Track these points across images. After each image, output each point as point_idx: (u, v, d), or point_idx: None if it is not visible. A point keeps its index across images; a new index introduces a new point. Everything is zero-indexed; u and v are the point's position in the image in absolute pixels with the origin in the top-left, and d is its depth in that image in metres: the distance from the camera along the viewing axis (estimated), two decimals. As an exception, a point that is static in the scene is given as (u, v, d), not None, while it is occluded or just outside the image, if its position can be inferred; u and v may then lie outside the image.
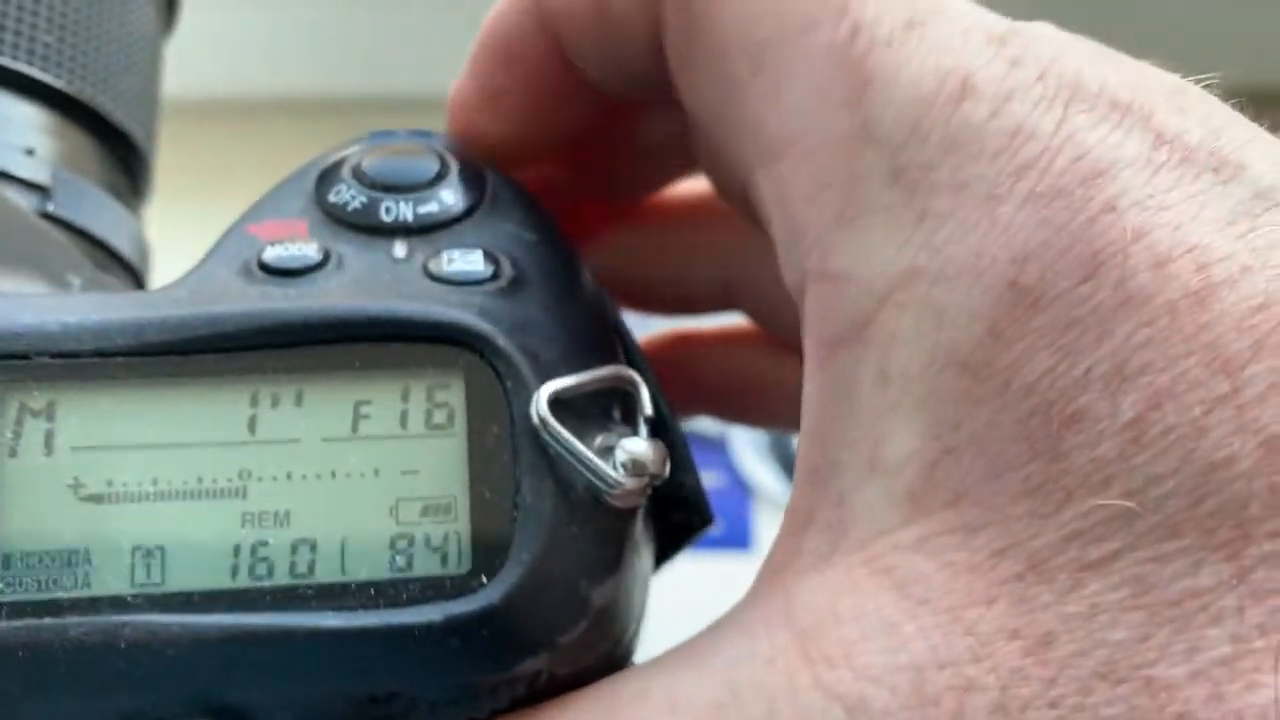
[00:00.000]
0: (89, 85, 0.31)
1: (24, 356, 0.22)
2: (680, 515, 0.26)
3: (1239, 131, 0.21)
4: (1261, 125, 0.21)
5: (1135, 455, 0.18)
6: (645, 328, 0.37)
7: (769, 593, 0.21)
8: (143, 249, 0.33)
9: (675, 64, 0.25)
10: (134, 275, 0.32)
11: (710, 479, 0.78)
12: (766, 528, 0.89)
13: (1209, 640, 0.17)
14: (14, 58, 0.29)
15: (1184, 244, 0.19)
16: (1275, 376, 0.18)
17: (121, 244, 0.31)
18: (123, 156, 0.33)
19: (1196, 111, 0.21)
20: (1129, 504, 0.18)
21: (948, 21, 0.22)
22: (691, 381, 0.36)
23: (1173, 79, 0.22)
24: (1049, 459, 0.19)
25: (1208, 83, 0.22)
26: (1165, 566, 0.18)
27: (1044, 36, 0.22)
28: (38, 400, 0.22)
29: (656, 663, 0.22)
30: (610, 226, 0.34)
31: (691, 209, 0.34)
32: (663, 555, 0.27)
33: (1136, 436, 0.18)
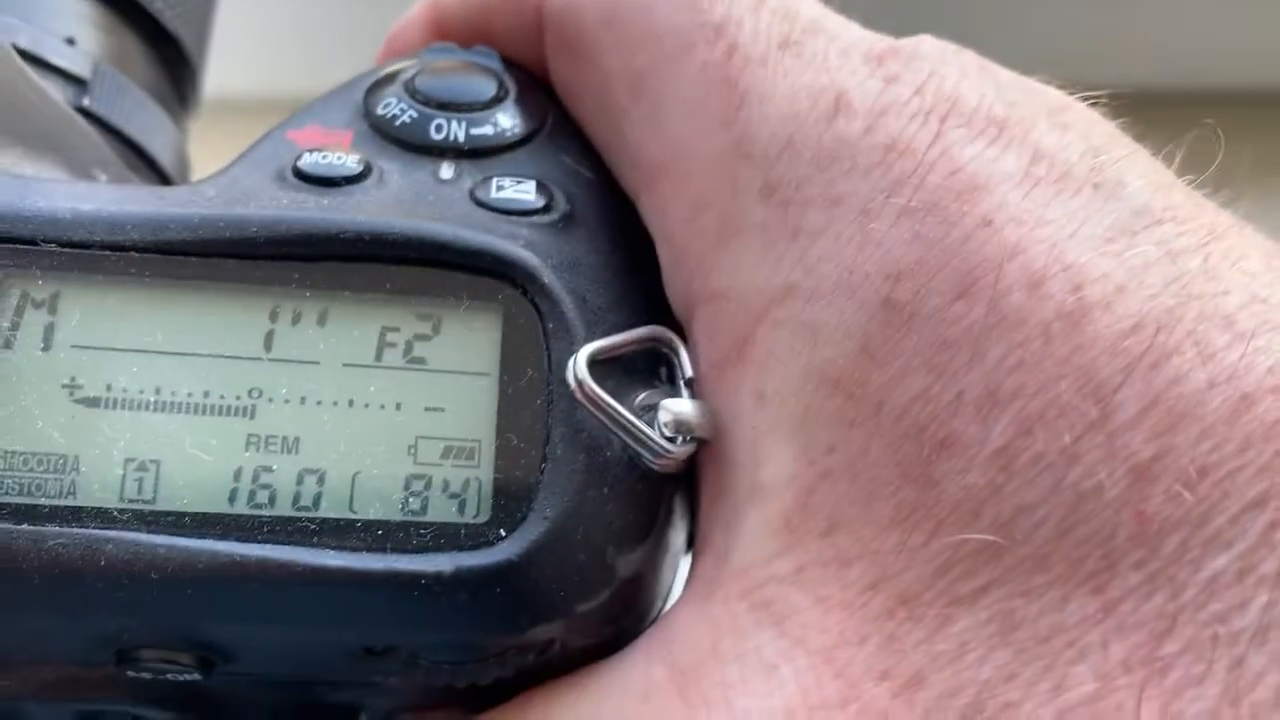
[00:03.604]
0: (141, -19, 0.29)
1: (31, 242, 0.20)
2: None
3: (1120, 149, 0.20)
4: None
5: (1005, 484, 0.18)
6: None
7: (659, 622, 0.21)
8: (182, 159, 0.31)
9: (562, 94, 0.25)
10: (167, 183, 0.30)
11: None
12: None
13: (1074, 678, 0.17)
14: (64, -58, 0.28)
15: (1060, 262, 0.18)
16: (1145, 401, 0.17)
17: (158, 150, 0.29)
18: (171, 62, 0.31)
19: (1078, 128, 0.21)
20: (997, 539, 0.18)
21: (826, 40, 0.22)
22: None
23: (1056, 95, 0.21)
24: (921, 486, 0.18)
25: (1093, 99, 0.21)
26: (1033, 601, 0.17)
27: (924, 53, 0.21)
28: (41, 291, 0.20)
29: (553, 682, 0.21)
30: None
31: None
32: None
33: (1006, 464, 0.18)
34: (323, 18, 0.70)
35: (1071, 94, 0.21)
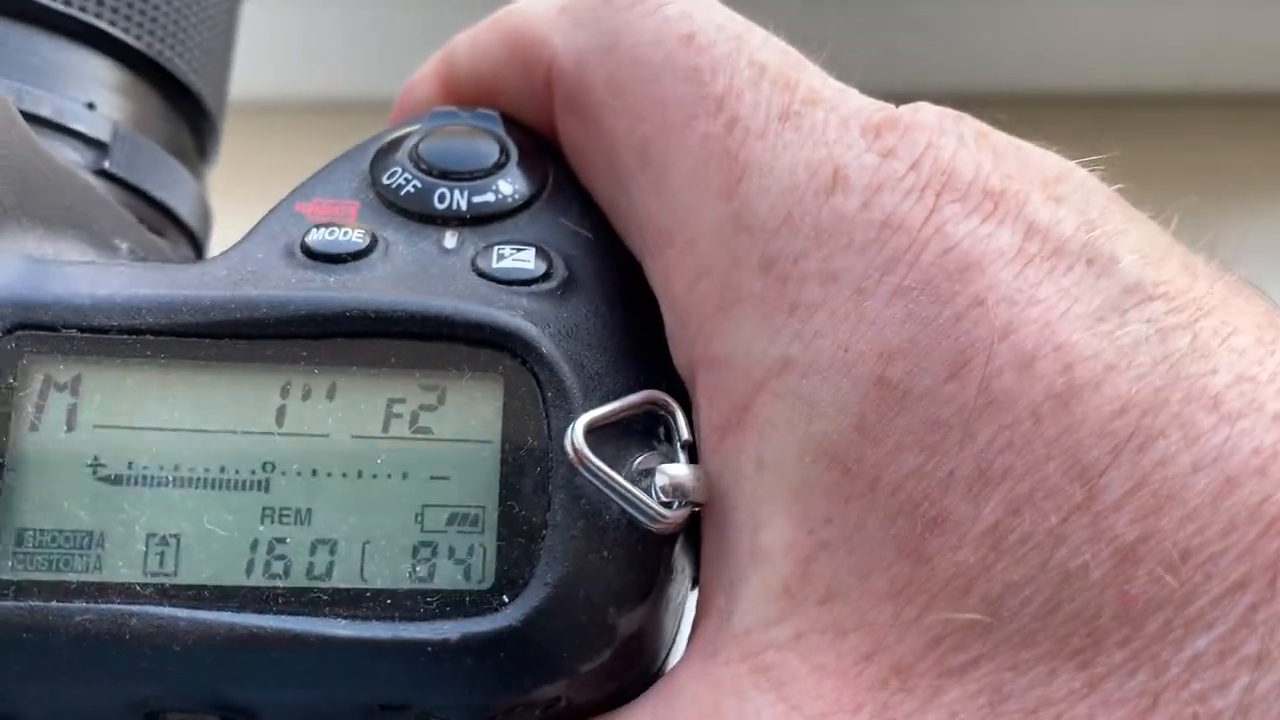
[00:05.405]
0: (158, 41, 0.30)
1: (52, 328, 0.21)
2: None
3: (1115, 221, 0.20)
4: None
5: (995, 562, 0.18)
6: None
7: (664, 678, 0.21)
8: (204, 212, 0.32)
9: (570, 157, 0.25)
10: (192, 238, 0.31)
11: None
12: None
13: None
14: (83, 9, 0.28)
15: (1050, 342, 0.19)
16: (1130, 484, 0.18)
17: (180, 206, 0.30)
18: (190, 116, 0.32)
19: (1073, 199, 0.21)
20: (985, 618, 0.18)
21: (824, 111, 0.22)
22: None
23: (1054, 163, 0.21)
24: (914, 562, 0.19)
25: (1093, 165, 0.21)
26: (1021, 675, 0.18)
27: (921, 123, 0.21)
28: (63, 374, 0.21)
29: None
30: None
31: None
32: None
33: (996, 543, 0.18)
34: (341, 20, 0.71)
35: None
